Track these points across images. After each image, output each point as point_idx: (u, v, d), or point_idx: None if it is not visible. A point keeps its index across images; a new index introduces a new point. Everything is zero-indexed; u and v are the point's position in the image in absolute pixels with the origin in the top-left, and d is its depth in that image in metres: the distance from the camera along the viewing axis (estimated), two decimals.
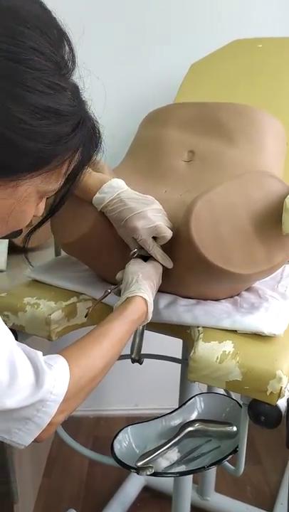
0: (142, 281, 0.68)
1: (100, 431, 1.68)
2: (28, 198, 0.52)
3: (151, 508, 1.37)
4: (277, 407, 0.62)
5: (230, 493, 1.37)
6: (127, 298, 0.67)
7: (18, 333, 0.82)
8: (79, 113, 0.50)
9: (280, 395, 0.61)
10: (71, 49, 0.50)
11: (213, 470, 1.31)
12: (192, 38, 1.42)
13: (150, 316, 0.68)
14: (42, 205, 0.58)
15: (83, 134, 0.51)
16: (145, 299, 0.67)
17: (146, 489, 1.41)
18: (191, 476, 1.12)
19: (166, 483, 1.36)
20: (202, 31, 1.42)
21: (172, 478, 1.14)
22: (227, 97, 1.19)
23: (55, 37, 0.48)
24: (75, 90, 0.51)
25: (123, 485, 1.38)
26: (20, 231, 1.08)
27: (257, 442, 1.54)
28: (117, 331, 0.63)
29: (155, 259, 0.72)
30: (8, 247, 1.22)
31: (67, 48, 0.50)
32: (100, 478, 1.48)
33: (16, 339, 0.83)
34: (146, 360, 0.77)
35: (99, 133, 0.56)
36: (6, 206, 0.51)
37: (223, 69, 1.28)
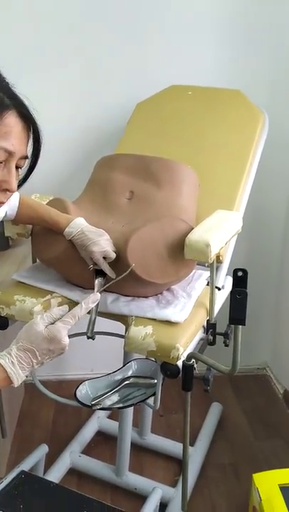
0: (15, 352, 0.82)
1: (62, 391, 2.05)
2: None
3: (102, 447, 1.77)
4: (177, 366, 1.02)
5: (163, 434, 1.79)
6: None
7: (8, 320, 1.18)
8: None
9: (178, 358, 1.01)
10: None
11: (149, 417, 1.73)
12: (137, 80, 1.73)
13: (15, 382, 0.81)
14: (13, 175, 0.77)
15: (1, 99, 0.73)
16: (4, 368, 0.80)
17: (99, 433, 1.81)
18: (131, 421, 1.53)
19: (113, 428, 1.76)
20: (145, 74, 1.73)
21: (117, 423, 1.56)
22: (165, 136, 1.55)
23: None
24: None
25: (81, 430, 1.77)
26: (8, 245, 1.44)
27: None
28: None
29: (59, 335, 0.85)
30: None
31: None
32: (62, 427, 1.87)
33: (7, 324, 1.20)
34: (98, 335, 1.13)
35: (26, 105, 0.77)
36: None
37: (162, 110, 1.62)
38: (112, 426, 1.79)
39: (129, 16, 1.67)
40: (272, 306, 2.08)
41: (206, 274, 1.27)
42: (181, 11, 1.69)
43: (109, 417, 1.87)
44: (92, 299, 0.93)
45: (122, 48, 1.70)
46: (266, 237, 1.99)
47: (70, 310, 0.91)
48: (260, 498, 1.12)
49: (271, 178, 1.86)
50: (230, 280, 1.40)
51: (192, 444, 1.75)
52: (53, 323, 0.87)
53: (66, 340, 0.86)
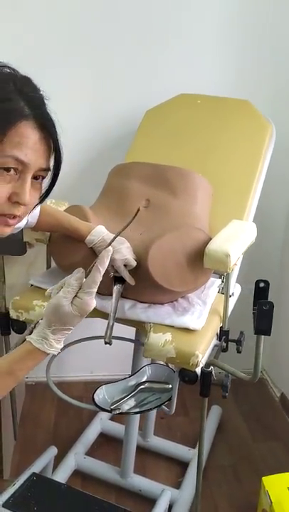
0: (52, 337, 0.80)
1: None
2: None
3: (105, 448, 1.78)
4: (195, 372, 1.05)
5: (165, 436, 1.82)
6: (27, 341, 0.81)
7: (27, 324, 1.20)
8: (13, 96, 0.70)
9: (197, 365, 1.04)
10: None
11: (152, 419, 1.76)
12: (147, 88, 1.76)
13: (50, 351, 0.80)
14: (27, 188, 0.73)
15: (20, 108, 0.70)
16: (40, 350, 0.80)
17: (101, 435, 1.83)
18: (137, 424, 1.56)
19: (116, 430, 1.79)
20: (154, 82, 1.76)
21: (123, 426, 1.58)
22: (175, 144, 1.57)
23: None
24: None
25: (84, 432, 1.79)
26: (25, 250, 1.45)
27: (187, 401, 2.01)
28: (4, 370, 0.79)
29: (88, 308, 0.80)
30: None
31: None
32: (64, 428, 1.89)
33: (25, 328, 1.21)
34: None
35: (49, 116, 0.75)
36: None
37: (171, 118, 1.65)
38: (114, 428, 1.81)
39: (141, 26, 1.70)
40: None
41: (218, 281, 1.31)
42: (191, 22, 1.72)
43: (112, 419, 1.89)
44: (107, 254, 0.82)
45: (132, 56, 1.73)
46: (267, 242, 2.03)
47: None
48: (270, 500, 1.15)
49: (273, 186, 1.90)
50: (238, 287, 1.44)
51: (194, 446, 1.78)
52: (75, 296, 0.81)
53: (94, 305, 0.82)
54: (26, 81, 0.76)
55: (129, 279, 1.12)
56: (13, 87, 0.72)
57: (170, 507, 1.51)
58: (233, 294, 1.37)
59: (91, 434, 1.79)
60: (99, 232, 1.13)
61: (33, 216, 1.13)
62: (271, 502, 1.15)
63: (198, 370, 1.06)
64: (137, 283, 1.12)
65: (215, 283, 1.29)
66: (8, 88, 0.71)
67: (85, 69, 1.72)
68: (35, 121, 0.72)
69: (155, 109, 1.69)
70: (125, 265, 1.11)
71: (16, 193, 0.73)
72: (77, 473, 1.65)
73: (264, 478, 1.22)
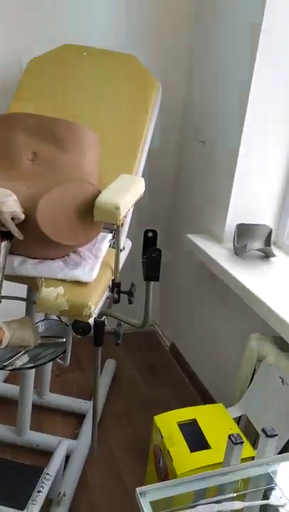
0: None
1: None
2: None
3: (0, 410, 1.78)
4: (88, 323, 1.07)
5: (61, 392, 1.85)
6: None
7: None
8: None
9: (90, 316, 1.06)
10: None
11: (48, 377, 1.76)
12: (31, 36, 1.67)
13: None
14: None
15: None
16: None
17: None
18: (32, 381, 1.55)
19: (11, 391, 1.77)
20: (40, 31, 1.68)
21: (14, 386, 1.57)
22: (60, 97, 1.52)
23: None
24: None
25: None
26: None
27: (82, 357, 2.04)
28: None
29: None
30: None
31: None
32: None
33: None
34: None
35: None
36: None
37: (56, 69, 1.59)
38: (8, 390, 1.79)
39: None
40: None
41: (109, 236, 1.32)
42: None
43: (6, 380, 1.86)
44: None
45: (17, 2, 1.62)
46: (157, 201, 2.09)
47: None
48: (161, 436, 1.24)
49: (159, 142, 1.93)
50: (129, 242, 1.47)
51: (90, 399, 1.83)
52: None
53: None
54: None
55: (18, 234, 1.08)
56: None
57: (68, 457, 1.55)
58: (124, 248, 1.40)
59: None
60: None
61: None
62: (162, 437, 1.23)
63: (91, 321, 1.08)
64: (26, 238, 1.09)
65: (106, 237, 1.30)
66: None
67: None
68: None
69: (39, 58, 1.61)
70: (12, 219, 1.07)
71: None
72: None
73: (155, 417, 1.30)
